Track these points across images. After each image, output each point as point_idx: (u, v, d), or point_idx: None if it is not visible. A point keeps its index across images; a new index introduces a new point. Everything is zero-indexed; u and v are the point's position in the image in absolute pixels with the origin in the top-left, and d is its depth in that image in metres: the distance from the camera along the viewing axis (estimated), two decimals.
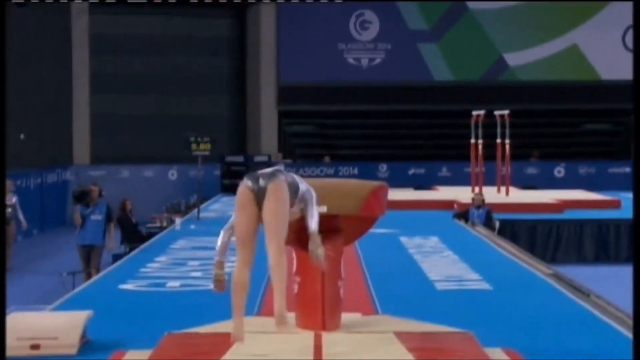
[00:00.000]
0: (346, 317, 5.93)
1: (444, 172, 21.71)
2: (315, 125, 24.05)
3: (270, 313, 5.08)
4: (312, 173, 21.15)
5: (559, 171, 21.79)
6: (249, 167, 20.08)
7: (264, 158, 20.94)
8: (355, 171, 21.36)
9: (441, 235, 12.43)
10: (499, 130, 17.46)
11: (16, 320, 5.86)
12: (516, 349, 5.49)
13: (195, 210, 15.66)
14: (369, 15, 23.11)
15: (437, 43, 23.30)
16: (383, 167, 21.67)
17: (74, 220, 11.55)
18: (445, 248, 11.29)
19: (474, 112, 17.83)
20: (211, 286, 7.34)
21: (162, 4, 21.88)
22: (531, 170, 21.74)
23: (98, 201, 11.39)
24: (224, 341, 5.17)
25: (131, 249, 12.30)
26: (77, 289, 8.76)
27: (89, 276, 10.85)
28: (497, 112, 17.49)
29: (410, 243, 11.79)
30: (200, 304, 7.53)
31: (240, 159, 20.88)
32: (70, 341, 5.71)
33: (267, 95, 23.17)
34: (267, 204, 4.84)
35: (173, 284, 8.62)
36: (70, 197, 12.61)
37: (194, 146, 14.99)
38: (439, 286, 8.52)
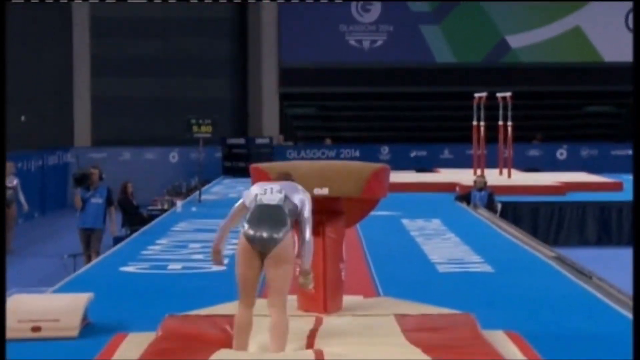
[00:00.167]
0: (348, 299, 5.94)
1: (446, 154, 21.64)
2: (316, 108, 24.02)
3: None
4: (313, 155, 21.10)
5: (561, 153, 21.74)
6: (250, 150, 20.12)
7: (265, 140, 20.96)
8: (357, 153, 21.28)
9: (443, 218, 12.41)
10: (501, 112, 17.42)
11: (17, 302, 5.84)
12: (518, 331, 5.48)
13: (197, 192, 15.66)
14: None
15: (439, 25, 23.18)
16: (385, 150, 21.62)
17: (75, 203, 11.54)
18: (447, 230, 11.27)
19: (476, 94, 17.79)
20: (213, 268, 7.20)
21: None
22: (533, 153, 21.68)
23: (98, 184, 11.36)
24: (225, 323, 5.18)
25: (132, 232, 12.28)
26: (78, 272, 8.75)
27: (89, 259, 10.85)
28: (499, 94, 17.42)
29: (412, 225, 11.77)
30: (202, 287, 7.49)
31: (241, 141, 20.86)
32: (72, 323, 5.69)
33: (268, 78, 23.10)
34: (274, 270, 4.79)
35: (174, 267, 8.59)
36: (71, 180, 12.56)
37: (195, 128, 15.01)
38: (441, 269, 8.50)
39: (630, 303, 6.58)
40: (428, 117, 23.29)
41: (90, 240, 11.19)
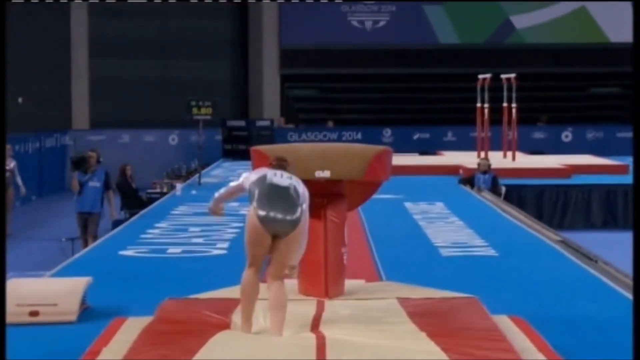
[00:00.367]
0: (350, 283, 5.93)
1: (449, 136, 21.63)
2: (318, 89, 24.03)
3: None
4: (315, 138, 21.09)
5: (567, 136, 21.74)
6: (251, 132, 20.01)
7: (266, 122, 20.91)
8: (359, 136, 21.25)
9: (446, 201, 12.38)
10: (505, 94, 17.37)
11: (15, 286, 5.77)
12: (522, 316, 5.45)
13: (197, 175, 15.60)
14: None
15: (443, 5, 23.11)
16: (387, 132, 21.57)
17: (72, 187, 11.50)
18: (451, 214, 11.24)
19: (480, 76, 17.69)
20: (213, 252, 7.60)
21: None
22: (538, 135, 21.71)
23: (96, 168, 11.32)
24: (225, 307, 5.19)
25: (131, 215, 12.24)
26: (76, 256, 8.72)
27: (86, 243, 10.80)
28: (503, 76, 17.37)
29: (415, 209, 11.75)
30: (201, 270, 7.49)
31: (242, 123, 20.81)
32: (70, 308, 5.67)
33: (269, 59, 23.07)
34: (286, 250, 4.81)
35: (174, 250, 8.56)
36: (68, 164, 12.61)
37: (195, 110, 15.01)
38: (444, 252, 8.46)
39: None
40: (431, 98, 23.24)
41: (88, 224, 11.14)
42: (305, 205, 4.90)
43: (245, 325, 4.87)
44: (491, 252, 8.43)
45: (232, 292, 5.51)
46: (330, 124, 22.19)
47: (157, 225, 10.19)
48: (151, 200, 13.54)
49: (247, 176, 4.98)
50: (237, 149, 19.72)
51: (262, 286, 4.95)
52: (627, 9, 22.84)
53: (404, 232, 9.80)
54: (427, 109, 22.99)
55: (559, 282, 7.04)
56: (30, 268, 9.60)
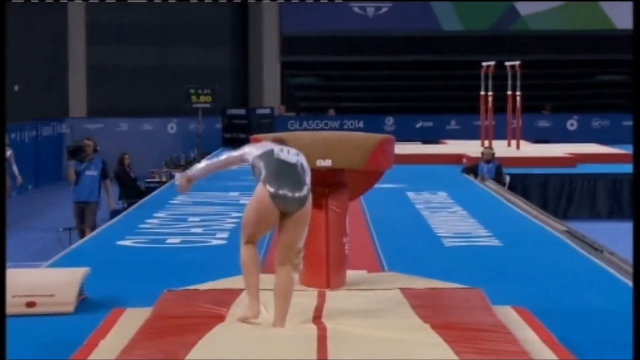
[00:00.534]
0: (351, 274, 5.93)
1: (453, 125, 21.57)
2: (319, 77, 24.01)
3: (271, 270, 5.06)
4: (316, 126, 21.06)
5: (572, 124, 21.69)
6: (251, 120, 19.99)
7: (266, 111, 20.97)
8: (361, 124, 21.22)
9: (450, 191, 12.34)
10: (509, 81, 17.30)
11: (11, 277, 5.69)
12: (526, 307, 5.43)
13: (196, 164, 15.50)
14: None
15: None
16: (389, 120, 21.52)
17: (68, 176, 11.46)
18: (454, 203, 11.20)
19: (484, 63, 17.66)
20: (213, 242, 7.62)
21: None
22: (543, 123, 21.65)
23: (93, 156, 11.27)
24: (225, 298, 5.20)
25: (129, 205, 12.23)
26: (73, 246, 8.71)
27: (82, 234, 10.83)
28: (507, 63, 17.29)
29: (418, 198, 11.71)
30: (201, 261, 7.49)
31: (242, 111, 20.85)
32: (67, 298, 5.65)
33: (269, 46, 23.04)
34: (293, 230, 4.78)
35: (173, 241, 8.55)
36: (65, 153, 12.62)
37: (194, 98, 15.36)
38: (447, 243, 8.43)
39: None
40: (434, 86, 23.20)
41: (85, 214, 11.09)
42: (309, 180, 4.87)
43: (254, 302, 4.77)
44: (495, 242, 8.41)
45: (232, 282, 5.54)
46: (331, 112, 22.15)
47: (155, 215, 10.16)
48: (150, 190, 13.59)
49: (249, 150, 4.91)
50: (237, 137, 19.63)
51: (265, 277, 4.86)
52: None
53: (407, 222, 9.76)
54: (430, 97, 22.94)
55: (564, 272, 7.02)
56: (26, 258, 9.64)
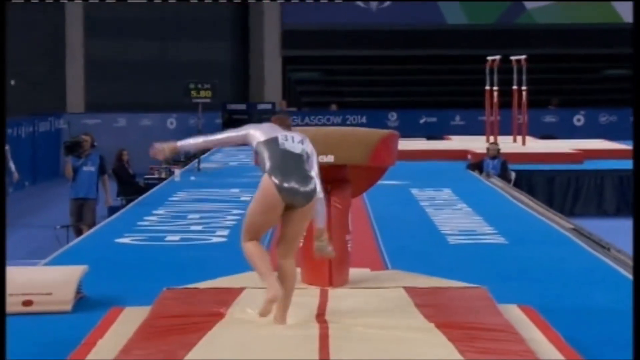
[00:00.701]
0: (354, 272, 5.95)
1: (457, 120, 21.55)
2: (321, 72, 24.01)
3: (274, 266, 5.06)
4: (318, 122, 21.08)
5: (579, 119, 21.64)
6: (252, 116, 19.98)
7: (267, 106, 20.97)
8: (364, 120, 21.19)
9: (454, 187, 12.31)
10: (515, 76, 17.24)
11: (8, 275, 5.57)
12: (532, 305, 5.44)
13: (196, 161, 15.50)
14: None
15: None
16: (393, 116, 21.47)
17: (66, 172, 11.42)
18: (459, 200, 11.19)
19: (489, 57, 17.57)
20: (213, 240, 7.63)
21: None
22: (549, 119, 21.60)
23: (91, 152, 11.21)
24: (225, 297, 5.22)
25: (128, 202, 12.19)
26: (71, 243, 8.74)
27: (79, 232, 10.75)
28: (513, 57, 17.23)
29: (422, 195, 11.71)
30: (201, 259, 7.51)
31: (242, 106, 20.87)
32: (65, 297, 5.66)
33: (270, 40, 23.01)
34: (299, 223, 4.78)
35: (172, 238, 8.56)
36: (62, 148, 12.79)
37: (194, 93, 15.21)
38: (452, 240, 8.45)
39: None
40: (438, 81, 23.16)
41: (83, 212, 11.01)
42: (317, 167, 4.84)
43: (272, 281, 4.65)
44: (500, 239, 8.40)
45: (232, 281, 5.60)
46: (333, 107, 22.09)
47: (154, 212, 10.14)
48: (149, 187, 13.53)
49: (253, 132, 4.83)
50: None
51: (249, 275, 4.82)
52: None
53: (410, 219, 9.74)
54: (434, 92, 22.91)
55: (570, 270, 7.04)
56: (23, 256, 9.59)
